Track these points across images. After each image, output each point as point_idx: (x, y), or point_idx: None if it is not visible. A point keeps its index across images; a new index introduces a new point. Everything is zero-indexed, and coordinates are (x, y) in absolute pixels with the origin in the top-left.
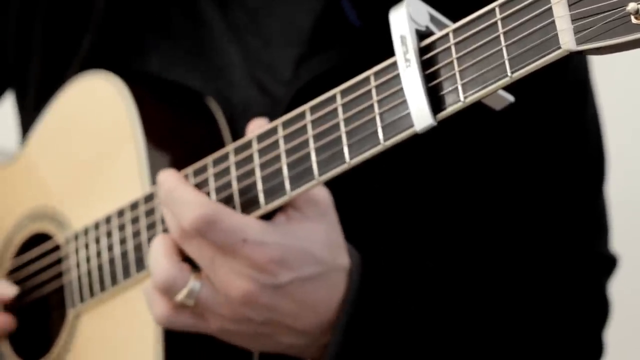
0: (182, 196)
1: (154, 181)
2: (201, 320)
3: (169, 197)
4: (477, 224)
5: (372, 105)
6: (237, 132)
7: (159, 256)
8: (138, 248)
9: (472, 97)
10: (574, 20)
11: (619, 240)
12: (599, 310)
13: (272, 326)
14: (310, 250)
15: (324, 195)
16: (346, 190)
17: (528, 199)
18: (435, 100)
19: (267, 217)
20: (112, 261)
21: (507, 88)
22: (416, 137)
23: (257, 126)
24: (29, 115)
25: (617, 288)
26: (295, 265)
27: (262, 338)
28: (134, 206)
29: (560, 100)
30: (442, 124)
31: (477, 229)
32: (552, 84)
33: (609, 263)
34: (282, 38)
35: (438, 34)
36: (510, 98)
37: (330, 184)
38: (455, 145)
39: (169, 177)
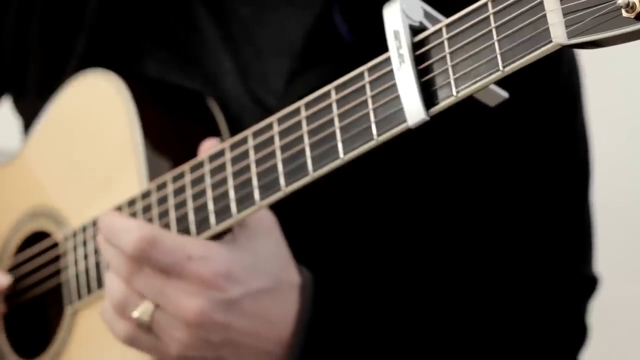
0: (120, 225)
1: (151, 179)
2: (161, 343)
3: (109, 231)
4: (456, 235)
5: (365, 101)
6: None
7: (115, 277)
8: None
9: (465, 92)
10: (565, 14)
11: (619, 240)
12: (576, 335)
13: (232, 348)
14: (258, 263)
15: (267, 215)
16: (299, 209)
17: (513, 214)
18: (428, 95)
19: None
20: None
21: (501, 85)
22: (406, 137)
23: (208, 147)
24: (28, 115)
25: (618, 287)
26: (244, 279)
27: None
28: (130, 203)
29: (550, 111)
30: (430, 128)
31: (455, 241)
32: (543, 96)
33: (591, 285)
34: (273, 48)
35: (431, 29)
36: (504, 94)
37: (282, 203)
38: (443, 149)
39: (104, 215)
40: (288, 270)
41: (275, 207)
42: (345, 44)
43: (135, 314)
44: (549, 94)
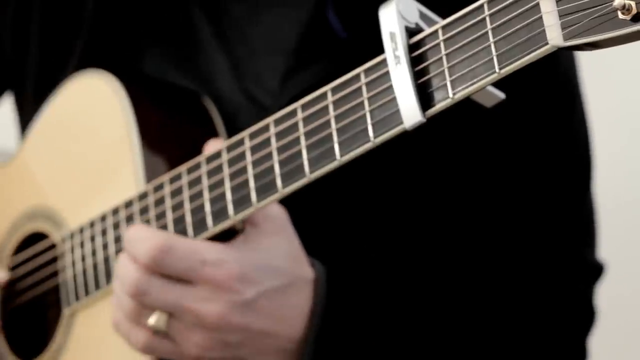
0: (134, 234)
1: (148, 180)
2: (180, 347)
3: (125, 241)
4: (461, 228)
5: (362, 103)
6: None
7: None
8: None
9: (461, 94)
10: (561, 16)
11: (619, 240)
12: (584, 318)
13: (250, 347)
14: (270, 262)
15: (279, 211)
16: (311, 200)
17: (515, 203)
18: (425, 96)
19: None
20: (106, 260)
21: (498, 86)
22: (404, 138)
23: (213, 147)
24: (27, 115)
25: (617, 287)
26: (258, 279)
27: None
28: (128, 204)
29: (548, 102)
30: (429, 128)
31: (460, 233)
32: (541, 86)
33: (596, 271)
34: (267, 47)
35: (427, 30)
36: (501, 95)
37: (293, 195)
38: (441, 149)
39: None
40: (301, 265)
41: (284, 201)
42: (340, 41)
43: (151, 321)
44: (548, 88)
